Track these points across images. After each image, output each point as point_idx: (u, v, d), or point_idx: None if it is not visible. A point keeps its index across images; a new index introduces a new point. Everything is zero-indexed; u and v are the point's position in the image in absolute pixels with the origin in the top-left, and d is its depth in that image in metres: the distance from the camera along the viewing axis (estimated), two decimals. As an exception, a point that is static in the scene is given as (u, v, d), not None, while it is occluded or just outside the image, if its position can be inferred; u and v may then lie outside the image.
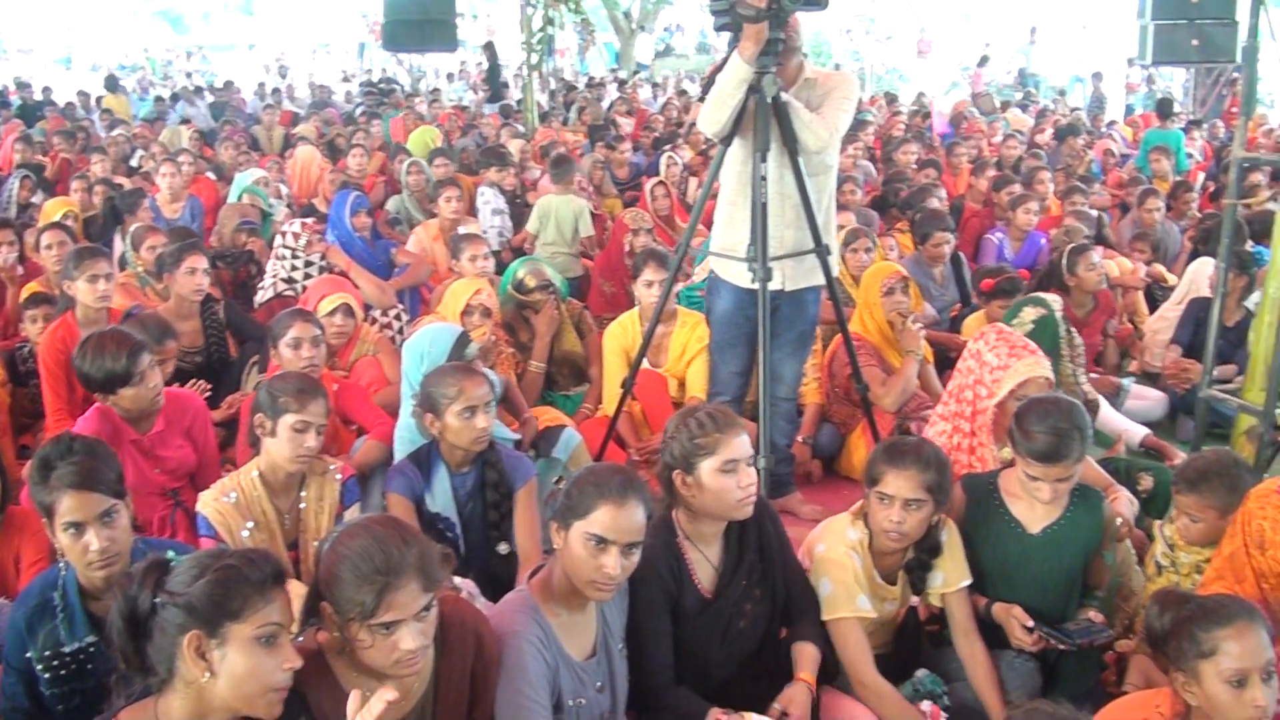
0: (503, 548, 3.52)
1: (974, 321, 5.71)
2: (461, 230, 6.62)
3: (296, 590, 2.39)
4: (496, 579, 3.43)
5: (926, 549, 3.12)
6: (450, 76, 24.94)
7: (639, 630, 2.82)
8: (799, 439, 4.94)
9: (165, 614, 2.05)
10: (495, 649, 2.49)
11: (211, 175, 9.47)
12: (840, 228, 5.80)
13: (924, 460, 3.01)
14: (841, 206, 6.99)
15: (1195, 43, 12.70)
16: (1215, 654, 2.33)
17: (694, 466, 2.82)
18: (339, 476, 3.43)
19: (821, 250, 4.10)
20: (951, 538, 3.19)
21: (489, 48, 18.69)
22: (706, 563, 2.93)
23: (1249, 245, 6.28)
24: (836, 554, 3.06)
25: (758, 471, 3.09)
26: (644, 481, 2.65)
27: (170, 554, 2.18)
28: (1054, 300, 4.82)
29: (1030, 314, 4.67)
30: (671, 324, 5.19)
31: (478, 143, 12.27)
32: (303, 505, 3.36)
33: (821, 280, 4.28)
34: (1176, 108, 15.91)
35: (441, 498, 3.53)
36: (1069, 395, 4.59)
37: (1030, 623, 3.09)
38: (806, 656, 2.95)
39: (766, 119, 3.87)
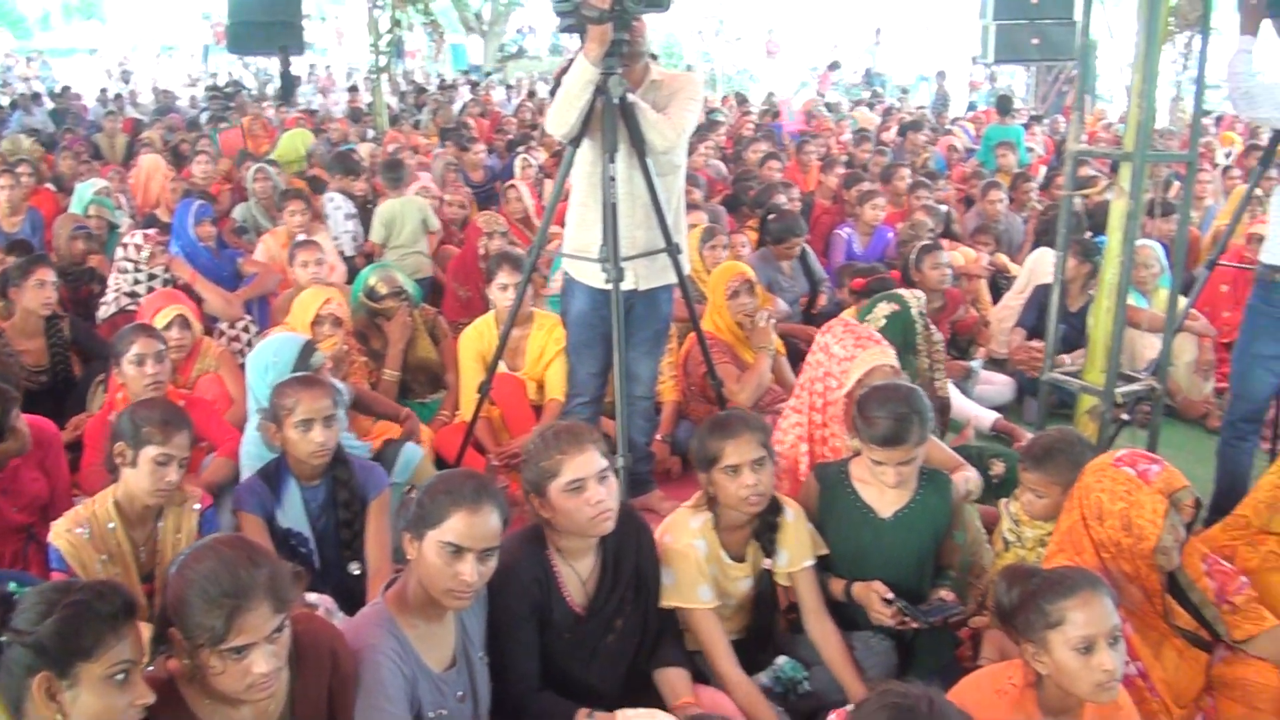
0: (354, 568, 3.43)
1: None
2: (301, 237, 6.47)
3: (147, 630, 2.30)
4: (352, 594, 3.35)
5: (770, 511, 3.18)
6: (297, 80, 24.40)
7: (501, 640, 2.80)
8: (658, 437, 4.98)
9: (11, 654, 1.95)
10: (351, 665, 2.44)
11: (51, 186, 9.06)
12: (692, 226, 5.87)
13: (749, 422, 3.13)
14: (694, 205, 7.08)
15: (1035, 42, 13.25)
16: (1062, 624, 2.42)
17: (544, 489, 2.80)
18: (197, 507, 3.33)
19: (673, 249, 4.14)
20: (797, 518, 3.26)
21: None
22: (577, 578, 2.92)
23: (1089, 235, 6.57)
24: (680, 544, 3.10)
25: (617, 473, 3.11)
26: (498, 487, 2.63)
27: (12, 586, 2.08)
28: (913, 297, 4.93)
29: (883, 309, 4.76)
30: (528, 327, 5.17)
31: (326, 147, 12.05)
32: (159, 537, 3.25)
33: (674, 279, 4.32)
34: (1018, 104, 16.54)
35: (293, 513, 3.44)
36: (925, 391, 4.76)
37: (890, 595, 3.17)
38: (676, 681, 2.96)
39: (614, 120, 3.89)
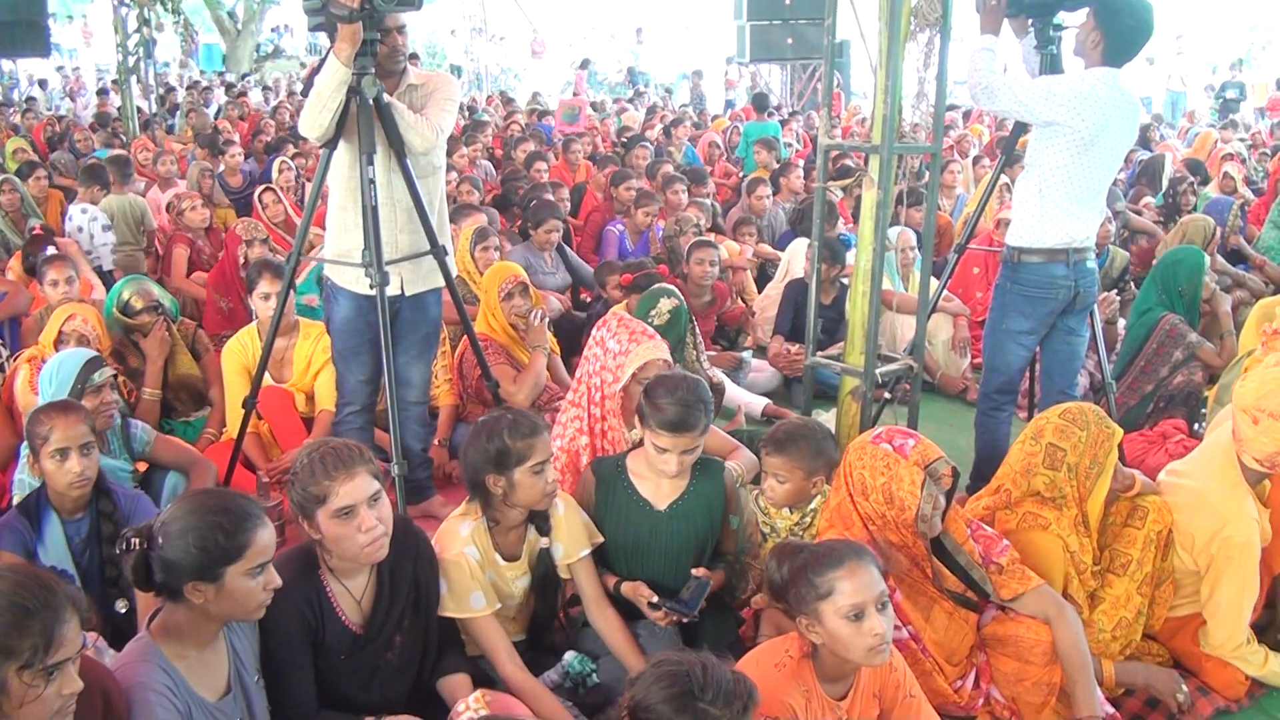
0: (121, 605, 3.24)
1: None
2: (50, 251, 6.08)
3: None
4: (122, 632, 3.17)
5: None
6: (43, 83, 22.94)
7: (275, 664, 2.72)
8: (435, 441, 4.93)
9: None
10: (123, 705, 2.32)
11: None
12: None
13: (539, 426, 3.13)
14: (474, 207, 7.04)
15: (790, 41, 13.76)
16: (832, 594, 2.52)
17: (312, 514, 2.71)
18: None
19: (438, 251, 4.10)
20: (568, 510, 3.30)
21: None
22: (351, 597, 2.84)
23: (843, 226, 6.87)
24: (451, 553, 3.08)
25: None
26: (261, 507, 2.54)
27: None
28: (678, 291, 5.05)
29: (667, 305, 4.84)
30: (293, 336, 5.02)
31: (74, 154, 11.38)
32: None
33: (441, 282, 4.28)
34: (775, 101, 17.11)
35: (55, 549, 3.26)
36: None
37: (654, 598, 3.24)
38: (457, 688, 2.94)
39: (369, 121, 3.83)
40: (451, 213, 6.65)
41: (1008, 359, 4.44)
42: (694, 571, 3.32)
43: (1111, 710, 3.23)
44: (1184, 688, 3.37)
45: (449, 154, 8.98)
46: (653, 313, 4.81)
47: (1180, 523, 3.54)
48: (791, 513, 3.64)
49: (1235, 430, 3.46)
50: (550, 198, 7.60)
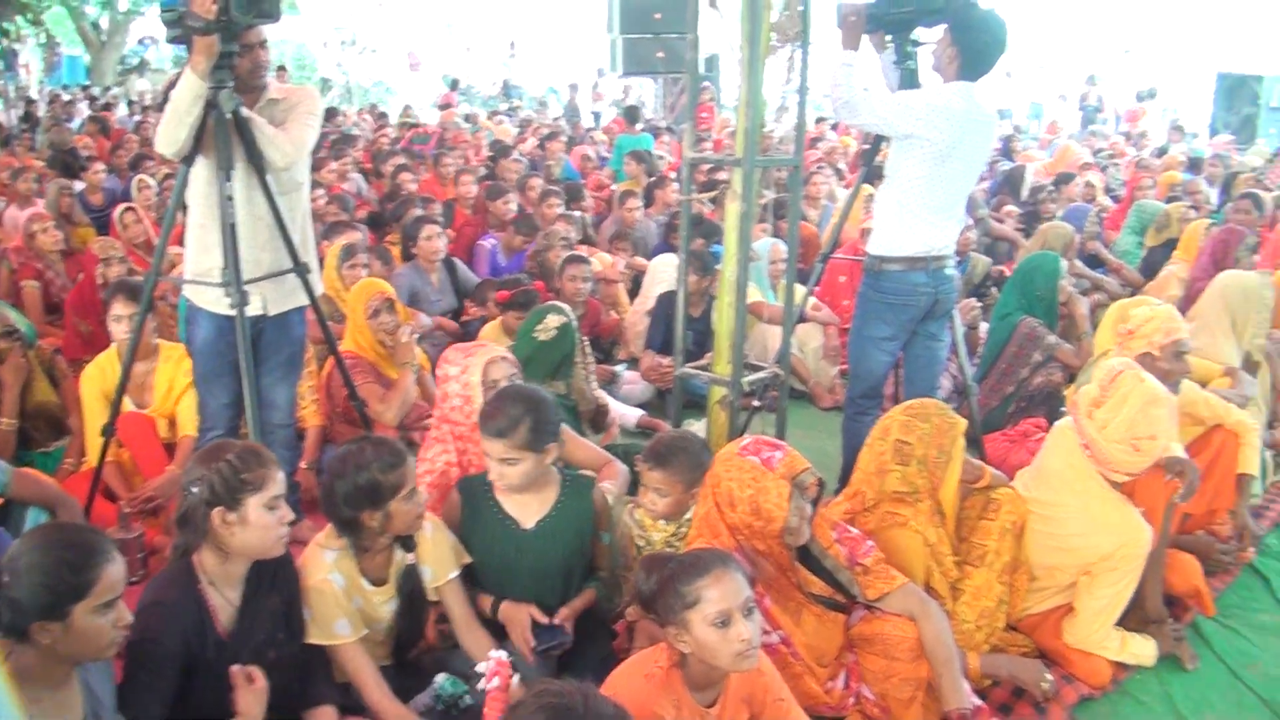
0: None
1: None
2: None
3: None
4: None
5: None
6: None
7: (133, 684, 2.65)
8: (302, 465, 4.84)
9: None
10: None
11: None
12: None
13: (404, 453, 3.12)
14: (346, 224, 6.93)
15: (661, 55, 13.87)
16: (699, 602, 2.55)
17: (240, 502, 2.74)
18: None
19: (301, 269, 4.05)
20: (435, 532, 3.28)
21: None
22: (229, 605, 2.84)
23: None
24: (315, 580, 3.05)
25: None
26: (110, 541, 2.47)
27: None
28: (568, 308, 5.05)
29: (554, 321, 4.83)
30: (154, 359, 4.88)
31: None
32: None
33: (305, 300, 4.22)
34: (648, 114, 17.26)
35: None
36: (583, 400, 4.89)
37: (543, 619, 3.29)
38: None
39: (227, 136, 3.75)
40: (326, 230, 6.57)
41: (871, 365, 4.54)
42: (554, 620, 3.34)
43: (979, 702, 3.32)
44: (1048, 676, 3.52)
45: (315, 169, 8.88)
46: (539, 328, 4.80)
47: (1073, 547, 3.70)
48: (668, 525, 3.67)
49: (1099, 459, 3.64)
50: (419, 211, 7.55)
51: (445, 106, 19.11)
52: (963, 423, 3.66)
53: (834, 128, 14.56)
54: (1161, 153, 13.64)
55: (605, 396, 5.70)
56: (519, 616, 3.29)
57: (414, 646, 3.33)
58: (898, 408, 3.73)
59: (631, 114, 14.12)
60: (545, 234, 7.15)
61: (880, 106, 4.19)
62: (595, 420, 5.13)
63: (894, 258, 4.35)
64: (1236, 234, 6.61)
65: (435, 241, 6.71)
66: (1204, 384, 4.78)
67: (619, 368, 6.46)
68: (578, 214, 8.38)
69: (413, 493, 3.07)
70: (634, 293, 7.66)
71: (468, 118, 17.08)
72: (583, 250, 7.14)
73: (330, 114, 15.89)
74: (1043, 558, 3.78)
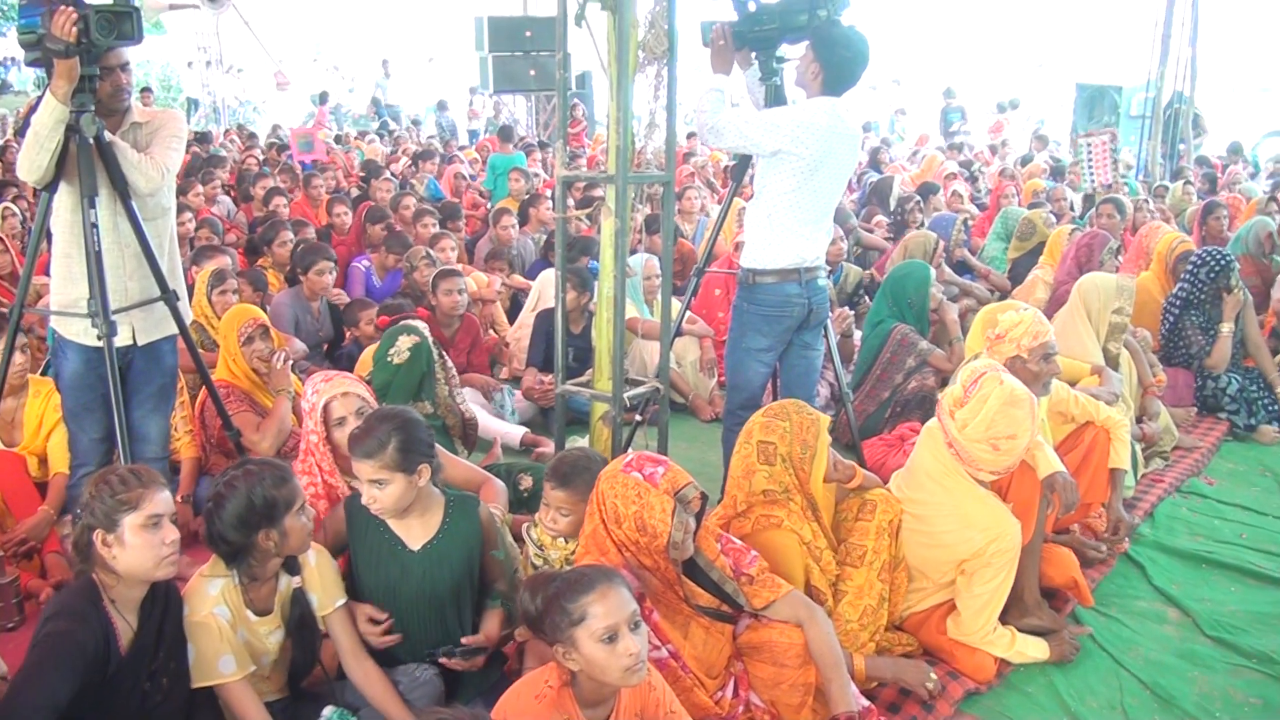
0: None
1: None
2: None
3: None
4: None
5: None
6: None
7: (29, 677, 2.57)
8: (178, 498, 4.72)
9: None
10: None
11: None
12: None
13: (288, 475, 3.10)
14: (215, 249, 6.78)
15: (532, 72, 13.91)
16: (585, 619, 2.58)
17: (116, 524, 2.73)
18: None
19: (170, 297, 3.97)
20: (320, 560, 3.25)
21: None
22: (128, 628, 2.81)
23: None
24: (200, 615, 2.99)
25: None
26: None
27: None
28: (422, 325, 5.02)
29: (406, 343, 4.80)
30: (22, 395, 4.72)
31: None
32: None
33: (175, 329, 4.14)
34: (522, 131, 17.26)
35: None
36: (450, 415, 4.87)
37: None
38: None
39: (90, 162, 3.68)
40: (194, 255, 6.42)
41: (749, 376, 4.60)
42: (464, 640, 3.35)
43: (866, 703, 3.39)
44: (933, 676, 3.62)
45: (183, 192, 8.68)
46: (391, 352, 4.78)
47: (946, 543, 3.81)
48: (567, 543, 3.68)
49: (963, 458, 3.76)
50: (288, 235, 7.43)
51: (316, 126, 18.83)
52: (824, 418, 3.78)
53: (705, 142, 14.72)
54: (1025, 161, 14.10)
55: (484, 414, 5.69)
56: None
57: (308, 675, 3.28)
58: (759, 411, 3.82)
59: (506, 132, 14.12)
60: (408, 254, 7.10)
61: (746, 127, 4.26)
62: (466, 434, 5.10)
63: (767, 270, 4.42)
64: (1099, 238, 6.90)
65: (326, 278, 6.60)
66: (1073, 383, 4.96)
67: (504, 388, 6.46)
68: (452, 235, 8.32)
69: (303, 508, 3.05)
70: (512, 313, 7.66)
71: (339, 138, 16.85)
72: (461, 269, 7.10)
73: (202, 138, 15.57)
74: (919, 555, 3.90)
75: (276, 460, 3.13)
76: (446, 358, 5.09)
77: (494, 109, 20.86)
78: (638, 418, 4.77)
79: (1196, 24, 13.41)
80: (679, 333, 6.33)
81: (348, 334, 6.64)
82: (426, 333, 4.93)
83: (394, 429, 3.29)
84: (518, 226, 8.78)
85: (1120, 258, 7.20)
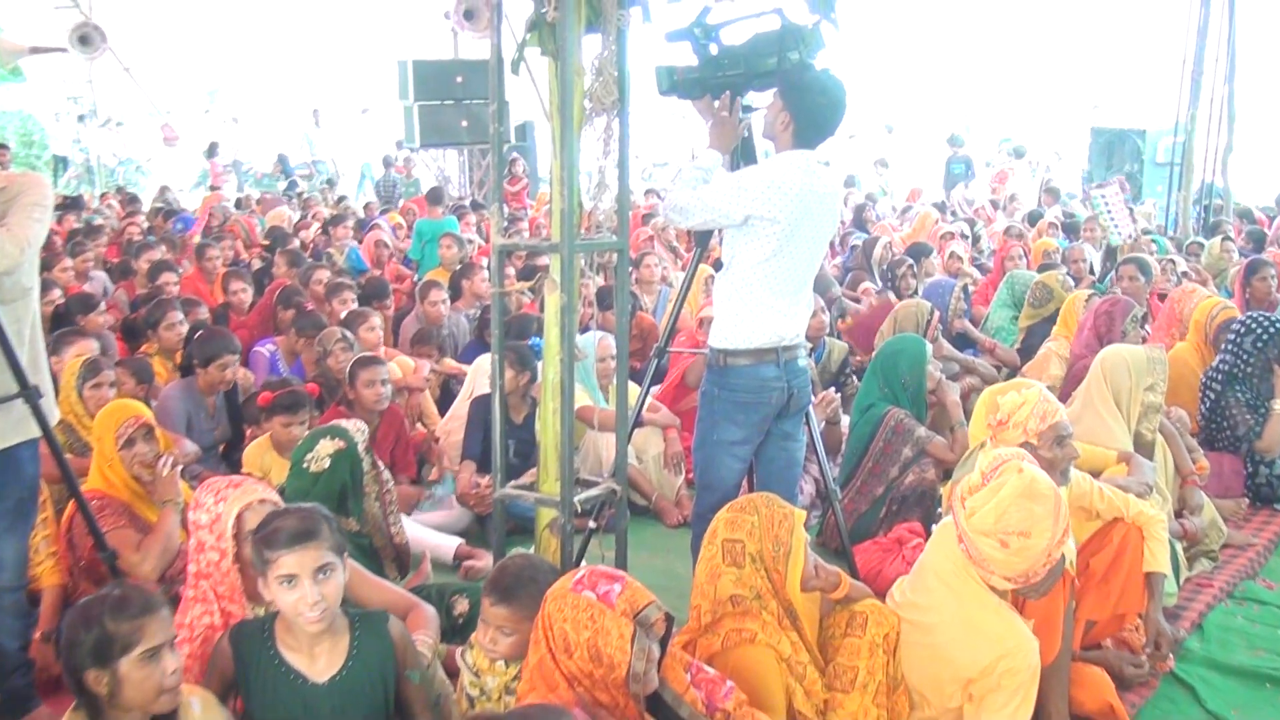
0: None
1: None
2: None
3: None
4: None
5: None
6: None
7: None
8: (37, 635, 4.57)
9: None
10: None
11: None
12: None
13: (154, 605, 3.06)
14: (78, 332, 6.72)
15: (464, 124, 13.99)
16: None
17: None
18: None
19: (30, 394, 3.92)
20: (205, 709, 3.19)
21: None
22: None
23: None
24: None
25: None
26: None
27: None
28: (356, 428, 4.93)
29: (327, 448, 4.72)
30: None
31: None
32: None
33: (37, 431, 4.07)
34: (455, 191, 17.33)
35: None
36: (378, 534, 4.81)
37: None
38: None
39: (-67, 235, 3.64)
40: (53, 342, 6.33)
41: (722, 472, 4.58)
42: None
43: None
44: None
45: (49, 268, 8.62)
46: (309, 456, 4.71)
47: (950, 658, 3.77)
48: (508, 667, 3.63)
49: (973, 556, 3.73)
50: (179, 316, 7.38)
51: (214, 187, 18.88)
52: (798, 511, 3.80)
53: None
54: (1034, 218, 14.26)
55: (411, 524, 5.61)
56: None
57: None
58: (724, 507, 3.80)
59: (434, 194, 14.13)
60: (321, 337, 7.05)
61: (712, 198, 4.31)
62: (400, 560, 5.04)
63: (740, 350, 4.43)
64: (1121, 304, 6.95)
65: (229, 373, 6.53)
66: (1097, 474, 4.94)
67: (434, 490, 6.39)
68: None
69: (154, 654, 2.95)
70: (444, 403, 7.62)
71: (239, 203, 16.87)
72: (383, 354, 7.07)
73: (73, 203, 15.53)
74: (920, 673, 3.86)
75: (145, 591, 3.08)
76: (382, 468, 5.01)
77: (404, 167, 20.88)
78: (591, 524, 4.73)
79: (1234, 58, 13.57)
80: (639, 423, 6.31)
81: (249, 433, 6.57)
82: (357, 437, 4.86)
83: (312, 509, 3.31)
84: (449, 302, 8.76)
85: (1147, 327, 7.25)
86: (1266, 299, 8.51)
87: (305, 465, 4.72)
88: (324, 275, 9.12)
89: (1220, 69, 13.62)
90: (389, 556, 5.01)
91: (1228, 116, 13.81)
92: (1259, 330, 6.44)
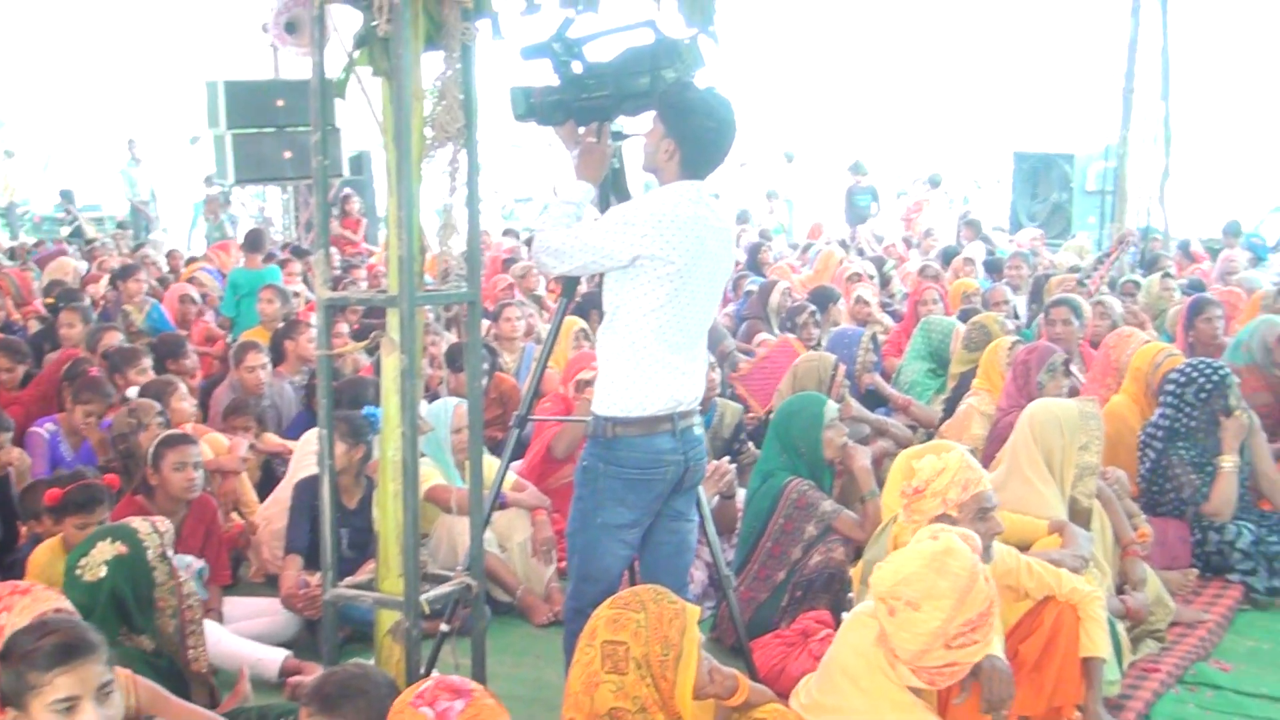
0: None
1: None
2: None
3: None
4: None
5: None
6: None
7: None
8: None
9: None
10: None
11: None
12: None
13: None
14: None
15: (288, 155, 13.83)
16: None
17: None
18: None
19: None
20: None
21: None
22: None
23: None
24: None
25: None
26: None
27: None
28: (149, 530, 4.79)
29: (104, 552, 4.53)
30: None
31: None
32: None
33: None
34: (276, 235, 17.12)
35: None
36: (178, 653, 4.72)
37: None
38: None
39: None
40: None
41: (605, 561, 4.55)
42: None
43: None
44: None
45: None
46: (82, 564, 4.56)
47: None
48: None
49: (881, 630, 3.78)
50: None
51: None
52: (692, 608, 3.80)
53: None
54: (948, 256, 14.46)
55: (227, 637, 5.51)
56: None
57: None
58: (604, 603, 3.80)
59: (253, 240, 13.83)
60: (130, 409, 6.90)
61: (591, 237, 4.32)
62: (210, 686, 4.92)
63: (630, 420, 4.40)
64: (1039, 351, 7.06)
65: (5, 455, 6.42)
66: (1026, 547, 5.00)
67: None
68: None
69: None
70: (265, 486, 7.53)
71: (12, 253, 16.53)
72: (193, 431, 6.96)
73: None
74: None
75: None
76: (180, 575, 4.86)
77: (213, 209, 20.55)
78: (444, 627, 4.68)
79: (1168, 72, 13.88)
80: (503, 504, 6.28)
81: (23, 530, 6.39)
82: (148, 541, 4.73)
83: (72, 620, 3.37)
84: (270, 367, 8.65)
85: (1070, 378, 7.32)
86: (1212, 343, 8.57)
87: (78, 573, 4.58)
88: (115, 338, 8.90)
89: (1154, 86, 13.98)
90: (198, 683, 4.85)
91: (1164, 138, 14.13)
92: (1201, 380, 6.53)
